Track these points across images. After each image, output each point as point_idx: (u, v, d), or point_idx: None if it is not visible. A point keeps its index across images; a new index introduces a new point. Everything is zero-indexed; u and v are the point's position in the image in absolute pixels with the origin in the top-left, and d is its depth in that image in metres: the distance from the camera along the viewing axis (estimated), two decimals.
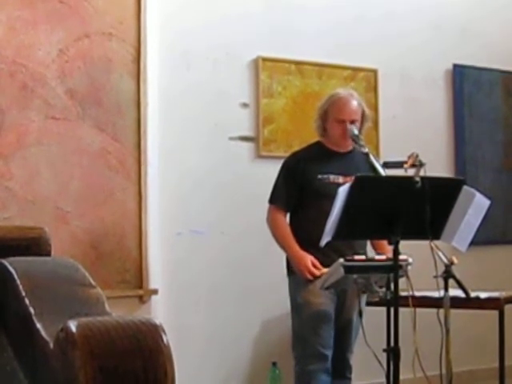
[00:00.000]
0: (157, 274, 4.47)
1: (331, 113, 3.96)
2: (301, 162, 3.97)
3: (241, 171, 4.85)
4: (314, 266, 3.80)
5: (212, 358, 4.70)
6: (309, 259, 3.80)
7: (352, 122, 3.91)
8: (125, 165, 4.40)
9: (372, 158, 3.72)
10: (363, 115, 3.98)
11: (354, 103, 3.96)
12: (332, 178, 3.89)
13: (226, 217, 4.77)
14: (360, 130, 3.95)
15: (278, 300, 4.54)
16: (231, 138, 4.84)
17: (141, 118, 4.43)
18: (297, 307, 3.98)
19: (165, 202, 4.55)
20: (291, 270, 3.96)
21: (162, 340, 1.47)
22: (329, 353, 3.86)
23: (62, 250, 3.90)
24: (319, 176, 3.90)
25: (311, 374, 3.87)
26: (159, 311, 4.38)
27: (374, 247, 4.02)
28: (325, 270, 3.73)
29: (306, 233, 3.82)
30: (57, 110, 4.24)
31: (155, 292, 4.45)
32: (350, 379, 4.04)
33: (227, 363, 4.75)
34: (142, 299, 4.43)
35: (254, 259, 4.79)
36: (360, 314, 3.78)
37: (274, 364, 4.61)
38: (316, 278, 3.80)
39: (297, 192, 3.94)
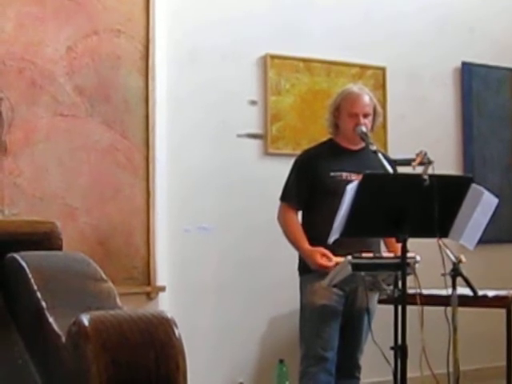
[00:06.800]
0: (164, 271, 4.48)
1: (344, 107, 3.94)
2: (313, 160, 3.96)
3: (248, 168, 4.86)
4: (326, 255, 3.76)
5: (219, 355, 4.71)
6: (318, 254, 3.76)
7: (365, 116, 3.90)
8: (133, 161, 4.41)
9: (381, 155, 3.72)
10: (375, 110, 3.98)
11: (366, 97, 3.96)
12: (345, 175, 3.87)
13: (233, 214, 4.77)
14: (372, 126, 3.96)
15: (285, 298, 4.55)
16: (239, 136, 4.84)
17: (149, 114, 4.44)
18: (302, 307, 3.98)
19: (172, 199, 4.56)
20: (302, 269, 3.96)
21: (174, 333, 1.47)
22: (330, 354, 3.84)
23: (70, 246, 3.87)
24: (331, 173, 3.88)
25: (310, 375, 3.87)
26: (166, 308, 4.38)
27: (386, 245, 4.02)
28: (337, 259, 3.69)
29: (318, 231, 3.78)
30: (65, 107, 4.25)
31: (163, 289, 4.46)
32: (358, 379, 4.03)
33: (234, 360, 4.76)
34: (150, 296, 4.44)
35: (261, 256, 4.79)
36: (368, 312, 3.77)
37: (281, 361, 4.62)
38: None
39: (308, 190, 3.92)
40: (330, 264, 3.71)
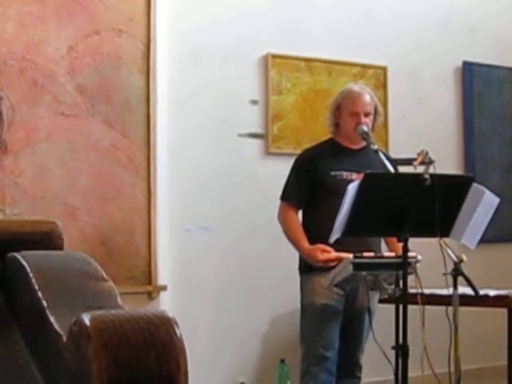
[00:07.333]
0: (165, 271, 4.48)
1: (345, 106, 3.94)
2: (313, 159, 3.95)
3: (250, 168, 4.86)
4: (326, 251, 3.76)
5: (220, 354, 4.71)
6: (318, 251, 3.75)
7: (366, 115, 3.90)
8: (134, 161, 4.41)
9: (382, 154, 3.72)
10: (376, 110, 3.98)
11: (367, 96, 3.96)
12: (345, 174, 3.86)
13: (234, 213, 4.78)
14: (373, 126, 3.96)
15: (286, 297, 4.56)
16: (240, 135, 4.84)
17: (150, 114, 4.44)
18: (302, 307, 3.98)
19: (173, 199, 4.56)
20: (302, 269, 3.96)
21: (175, 333, 1.47)
22: (330, 354, 3.84)
23: (71, 246, 3.87)
24: (332, 173, 3.87)
25: (311, 375, 3.87)
26: (168, 308, 4.38)
27: (388, 245, 4.02)
28: (336, 254, 3.70)
29: (318, 230, 3.78)
30: (66, 107, 4.25)
31: (164, 288, 4.47)
32: (359, 378, 4.03)
33: (236, 360, 4.76)
34: (151, 295, 4.44)
35: (262, 256, 4.80)
36: (369, 312, 3.77)
37: (283, 361, 4.62)
38: (331, 266, 3.75)
39: (309, 189, 3.92)
40: (332, 256, 3.71)
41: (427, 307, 3.47)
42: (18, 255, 1.96)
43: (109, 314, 1.49)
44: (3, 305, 2.02)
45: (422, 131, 5.28)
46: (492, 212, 3.57)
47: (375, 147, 3.75)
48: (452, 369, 3.50)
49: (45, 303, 1.73)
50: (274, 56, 4.93)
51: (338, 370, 3.88)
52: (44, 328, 1.70)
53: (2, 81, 4.09)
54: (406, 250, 3.36)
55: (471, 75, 5.67)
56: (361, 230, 3.46)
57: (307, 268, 3.87)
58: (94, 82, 4.33)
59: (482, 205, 3.50)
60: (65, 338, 1.58)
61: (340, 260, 3.65)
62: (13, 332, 1.91)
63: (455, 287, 3.48)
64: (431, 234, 3.33)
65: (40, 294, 1.77)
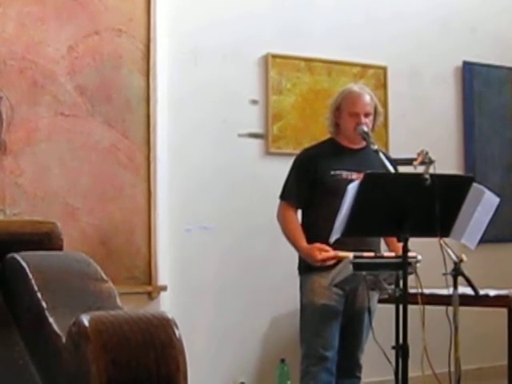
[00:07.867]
0: (166, 271, 4.48)
1: (345, 107, 3.94)
2: (313, 159, 3.96)
3: (250, 168, 4.86)
4: (324, 250, 3.75)
5: (220, 354, 4.71)
6: (316, 251, 3.76)
7: (366, 115, 3.90)
8: (134, 161, 4.41)
9: (382, 154, 3.73)
10: (376, 110, 3.98)
11: (367, 96, 3.96)
12: (345, 174, 3.87)
13: (234, 213, 4.78)
14: (373, 126, 3.96)
15: (286, 297, 4.55)
16: (240, 135, 4.84)
17: (150, 114, 4.45)
18: (302, 307, 3.98)
19: (174, 199, 4.56)
20: (302, 269, 3.96)
21: (175, 334, 1.47)
22: (330, 353, 3.85)
23: (71, 246, 3.87)
24: (332, 172, 3.88)
25: (311, 375, 3.87)
26: (168, 308, 4.38)
27: (388, 245, 4.02)
28: (334, 253, 3.70)
29: (318, 230, 3.78)
30: (66, 107, 4.25)
31: (164, 288, 4.46)
32: (359, 378, 4.03)
33: (236, 360, 4.76)
34: (151, 296, 4.44)
35: (262, 256, 4.80)
36: (369, 312, 3.78)
37: (283, 361, 4.62)
38: (330, 266, 3.75)
39: (309, 188, 3.92)
40: (330, 255, 3.71)
41: (427, 307, 3.47)
42: (17, 256, 1.96)
43: (108, 314, 1.49)
44: (3, 305, 2.02)
45: (422, 131, 5.28)
46: (492, 212, 3.57)
47: (375, 147, 3.75)
48: (452, 369, 3.50)
49: (44, 304, 1.73)
50: (274, 56, 4.93)
51: (338, 370, 3.89)
52: (43, 329, 1.70)
53: (1, 81, 4.09)
54: (405, 250, 3.37)
55: (471, 75, 5.67)
56: (361, 230, 3.46)
57: (307, 268, 3.87)
58: (94, 82, 4.33)
59: (482, 205, 3.50)
60: (64, 339, 1.58)
61: (338, 259, 3.65)
62: (12, 333, 1.92)
63: (455, 287, 3.48)
64: (431, 233, 3.33)
65: (39, 294, 1.77)
